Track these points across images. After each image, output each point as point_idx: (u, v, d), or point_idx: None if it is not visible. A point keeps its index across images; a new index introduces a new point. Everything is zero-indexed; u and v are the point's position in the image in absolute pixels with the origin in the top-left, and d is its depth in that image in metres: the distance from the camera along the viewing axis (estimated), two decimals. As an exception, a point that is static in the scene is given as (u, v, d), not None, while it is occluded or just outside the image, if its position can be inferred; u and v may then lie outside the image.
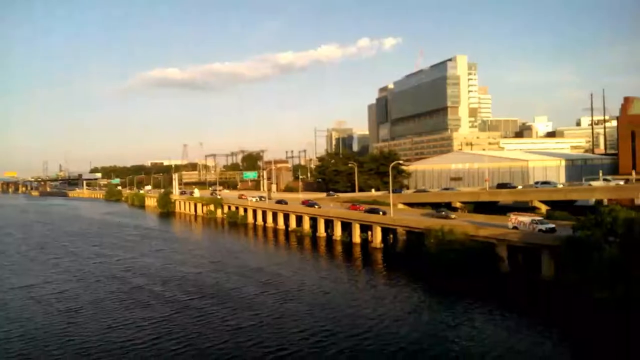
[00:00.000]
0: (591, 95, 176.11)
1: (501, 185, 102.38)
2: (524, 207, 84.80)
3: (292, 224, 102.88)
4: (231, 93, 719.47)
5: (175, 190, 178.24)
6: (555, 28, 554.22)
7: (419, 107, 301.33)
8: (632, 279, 39.57)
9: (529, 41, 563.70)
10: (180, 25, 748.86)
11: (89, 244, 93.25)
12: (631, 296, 39.51)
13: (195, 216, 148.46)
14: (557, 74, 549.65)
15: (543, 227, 56.95)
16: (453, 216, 76.23)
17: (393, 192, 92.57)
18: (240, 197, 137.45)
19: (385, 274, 61.41)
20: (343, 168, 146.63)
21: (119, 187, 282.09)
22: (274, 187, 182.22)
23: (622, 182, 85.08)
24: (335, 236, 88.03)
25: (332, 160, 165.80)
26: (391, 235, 78.24)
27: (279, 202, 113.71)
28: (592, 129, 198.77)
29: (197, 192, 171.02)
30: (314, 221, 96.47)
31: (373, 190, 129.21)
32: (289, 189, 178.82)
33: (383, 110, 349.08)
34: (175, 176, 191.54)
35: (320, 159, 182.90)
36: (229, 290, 53.40)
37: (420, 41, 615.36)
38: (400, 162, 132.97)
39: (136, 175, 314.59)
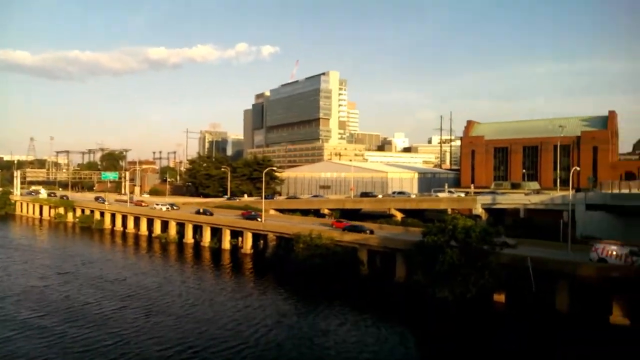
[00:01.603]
0: (441, 117, 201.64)
1: (364, 194, 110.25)
2: (382, 215, 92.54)
3: (157, 229, 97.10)
4: (94, 86, 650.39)
5: (17, 189, 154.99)
6: (415, 53, 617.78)
7: (293, 116, 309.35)
8: (467, 280, 45.97)
9: (392, 63, 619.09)
10: (35, 4, 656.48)
11: None
12: (466, 295, 45.89)
13: (41, 220, 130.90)
14: (415, 96, 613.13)
15: None
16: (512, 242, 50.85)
17: (265, 198, 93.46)
18: (137, 204, 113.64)
19: (255, 281, 61.57)
20: (215, 172, 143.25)
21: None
22: (137, 189, 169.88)
23: (463, 194, 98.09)
24: (203, 242, 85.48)
25: (204, 164, 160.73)
26: (262, 241, 78.85)
27: (201, 212, 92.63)
28: (441, 146, 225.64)
29: (43, 193, 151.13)
30: (180, 226, 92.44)
31: (245, 195, 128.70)
32: (154, 192, 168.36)
33: (259, 116, 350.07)
34: (17, 173, 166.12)
35: (192, 162, 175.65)
36: (83, 306, 48.15)
37: (296, 53, 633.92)
38: (274, 168, 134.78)
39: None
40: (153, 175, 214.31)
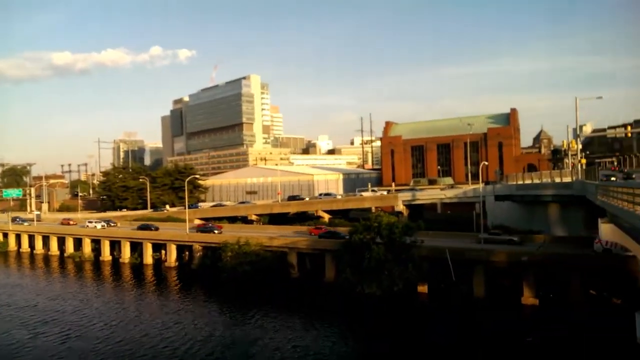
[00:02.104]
0: (361, 119, 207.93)
1: (292, 198, 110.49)
2: (310, 217, 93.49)
3: (69, 248, 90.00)
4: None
5: None
6: (334, 56, 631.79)
7: (215, 122, 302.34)
8: (393, 274, 47.85)
9: (312, 66, 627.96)
10: None
11: None
12: (393, 289, 47.75)
13: None
14: (336, 98, 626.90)
15: None
16: (516, 239, 55.69)
17: (189, 207, 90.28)
18: (64, 222, 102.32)
19: (183, 294, 59.20)
20: (133, 183, 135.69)
21: None
22: (45, 206, 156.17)
23: (385, 192, 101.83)
24: (123, 258, 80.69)
25: (120, 175, 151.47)
26: (187, 253, 76.08)
27: (144, 227, 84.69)
28: (363, 147, 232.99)
29: None
30: (96, 243, 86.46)
31: (167, 206, 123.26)
32: (65, 208, 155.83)
33: (178, 122, 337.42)
34: None
35: (106, 174, 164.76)
36: (-16, 338, 43.37)
37: (214, 57, 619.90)
38: (197, 176, 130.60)
39: None
40: (62, 191, 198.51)
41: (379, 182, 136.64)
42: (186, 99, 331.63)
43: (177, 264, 74.99)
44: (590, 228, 52.09)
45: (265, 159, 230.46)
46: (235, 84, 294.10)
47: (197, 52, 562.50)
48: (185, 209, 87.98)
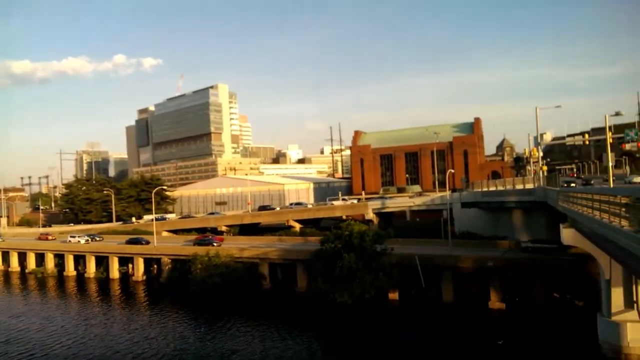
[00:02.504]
0: (330, 128, 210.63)
1: (262, 208, 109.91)
2: (281, 227, 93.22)
3: (31, 263, 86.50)
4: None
5: None
6: (301, 64, 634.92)
7: (182, 132, 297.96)
8: (364, 282, 48.27)
9: (280, 75, 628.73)
10: None
11: None
12: (364, 296, 48.14)
13: None
14: (305, 107, 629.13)
15: None
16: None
17: (157, 219, 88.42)
18: (42, 237, 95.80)
19: (151, 309, 57.77)
20: (97, 195, 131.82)
21: None
22: (4, 221, 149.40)
23: (355, 201, 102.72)
24: (88, 273, 78.21)
25: (83, 187, 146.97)
26: (155, 266, 74.43)
27: (134, 241, 79.21)
28: (333, 156, 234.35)
29: None
30: (60, 258, 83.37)
31: (134, 218, 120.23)
32: (25, 223, 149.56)
33: (144, 132, 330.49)
34: None
35: (68, 186, 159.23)
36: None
37: (180, 65, 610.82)
38: (164, 187, 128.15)
39: None
40: (22, 204, 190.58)
41: (349, 190, 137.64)
42: (152, 108, 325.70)
43: (145, 277, 73.21)
44: (552, 233, 54.27)
45: (234, 169, 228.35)
46: (203, 93, 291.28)
47: (162, 61, 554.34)
48: (152, 221, 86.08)
